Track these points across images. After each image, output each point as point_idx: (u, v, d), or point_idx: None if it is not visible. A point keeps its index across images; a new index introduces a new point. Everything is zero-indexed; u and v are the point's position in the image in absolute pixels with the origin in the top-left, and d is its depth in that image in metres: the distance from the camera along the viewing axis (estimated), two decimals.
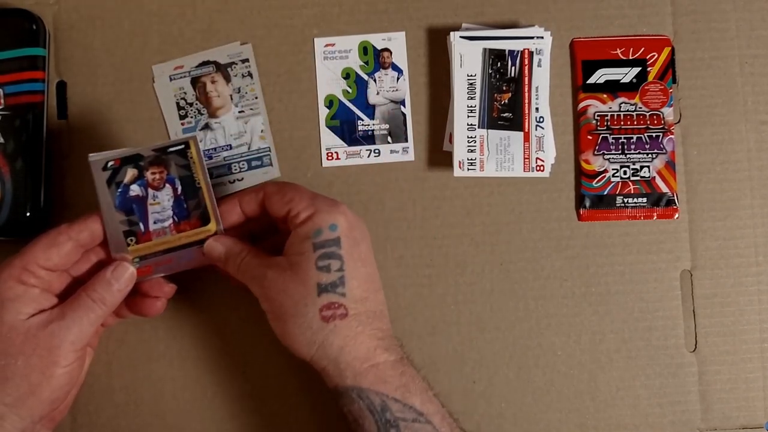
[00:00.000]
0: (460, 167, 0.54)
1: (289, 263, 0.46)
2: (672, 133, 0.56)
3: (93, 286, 0.47)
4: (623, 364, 0.55)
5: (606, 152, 0.56)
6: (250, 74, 0.56)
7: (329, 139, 0.56)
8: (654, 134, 0.56)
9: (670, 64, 0.56)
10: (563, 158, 0.56)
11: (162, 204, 0.49)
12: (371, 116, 0.56)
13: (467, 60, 0.55)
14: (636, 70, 0.56)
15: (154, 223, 0.49)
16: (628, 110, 0.56)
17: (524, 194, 0.56)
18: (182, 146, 0.48)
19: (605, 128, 0.56)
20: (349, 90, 0.56)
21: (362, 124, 0.56)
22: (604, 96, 0.56)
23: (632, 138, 0.56)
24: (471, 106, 0.55)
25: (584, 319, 0.55)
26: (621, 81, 0.56)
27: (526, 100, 0.55)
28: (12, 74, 0.53)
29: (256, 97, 0.56)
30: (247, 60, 0.56)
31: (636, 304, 0.55)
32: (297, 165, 0.56)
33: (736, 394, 0.55)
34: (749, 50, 0.57)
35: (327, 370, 0.46)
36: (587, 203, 0.56)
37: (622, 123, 0.56)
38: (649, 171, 0.56)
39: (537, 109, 0.55)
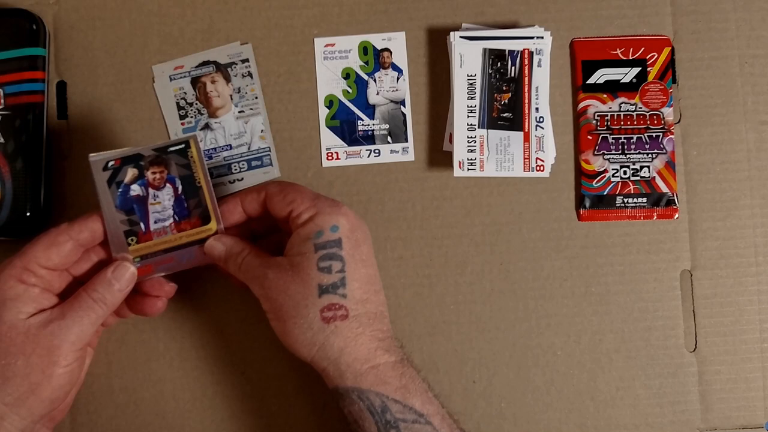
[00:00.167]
0: (460, 167, 0.54)
1: (290, 264, 0.46)
2: (672, 133, 0.56)
3: (94, 285, 0.47)
4: (623, 364, 0.55)
5: (606, 152, 0.56)
6: (250, 74, 0.56)
7: (329, 139, 0.56)
8: (654, 134, 0.56)
9: (670, 64, 0.56)
10: (563, 158, 0.56)
11: (162, 203, 0.49)
12: (371, 116, 0.56)
13: (467, 60, 0.55)
14: (636, 70, 0.56)
15: (155, 222, 0.49)
16: (628, 110, 0.56)
17: (524, 194, 0.56)
18: (182, 146, 0.48)
19: (605, 128, 0.56)
20: (349, 90, 0.57)
21: (362, 124, 0.56)
22: (604, 96, 0.56)
23: (632, 138, 0.56)
24: (471, 106, 0.55)
25: (584, 319, 0.55)
26: (621, 81, 0.56)
27: (526, 100, 0.55)
28: (12, 74, 0.53)
29: (256, 97, 0.56)
30: (247, 60, 0.56)
31: (636, 304, 0.55)
32: (297, 165, 0.56)
33: (736, 394, 0.55)
34: (749, 50, 0.57)
35: (327, 371, 0.46)
36: (587, 203, 0.56)
37: (622, 123, 0.56)
38: (649, 171, 0.56)
39: (537, 109, 0.55)
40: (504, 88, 0.55)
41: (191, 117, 0.56)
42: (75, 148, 0.55)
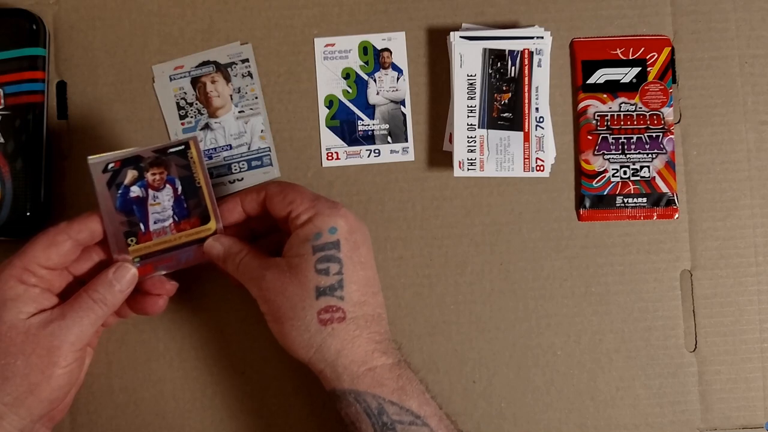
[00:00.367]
0: (460, 167, 0.54)
1: (288, 265, 0.46)
2: (672, 133, 0.56)
3: (94, 286, 0.47)
4: (623, 364, 0.55)
5: (606, 152, 0.56)
6: (250, 74, 0.56)
7: (329, 139, 0.56)
8: (654, 134, 0.56)
9: (670, 64, 0.56)
10: (563, 158, 0.56)
11: (162, 204, 0.49)
12: (371, 116, 0.56)
13: (467, 60, 0.55)
14: (636, 70, 0.56)
15: (155, 223, 0.49)
16: (628, 110, 0.56)
17: (524, 194, 0.56)
18: (182, 147, 0.48)
19: (605, 128, 0.56)
20: (349, 90, 0.57)
21: (362, 124, 0.56)
22: (604, 96, 0.56)
23: (632, 138, 0.56)
24: (471, 106, 0.55)
25: (584, 319, 0.55)
26: (621, 81, 0.56)
27: (526, 100, 0.54)
28: (12, 74, 0.53)
29: (256, 97, 0.56)
30: (247, 60, 0.56)
31: (636, 304, 0.55)
32: (297, 165, 0.56)
33: (736, 394, 0.55)
34: (749, 50, 0.57)
35: (324, 373, 0.46)
36: (587, 203, 0.56)
37: (622, 123, 0.56)
38: (649, 171, 0.56)
39: (537, 109, 0.55)
40: (504, 88, 0.55)
41: (191, 117, 0.56)
42: (75, 148, 0.55)
